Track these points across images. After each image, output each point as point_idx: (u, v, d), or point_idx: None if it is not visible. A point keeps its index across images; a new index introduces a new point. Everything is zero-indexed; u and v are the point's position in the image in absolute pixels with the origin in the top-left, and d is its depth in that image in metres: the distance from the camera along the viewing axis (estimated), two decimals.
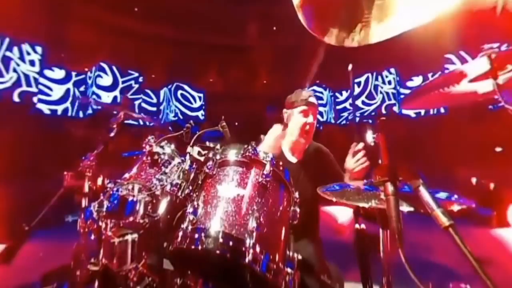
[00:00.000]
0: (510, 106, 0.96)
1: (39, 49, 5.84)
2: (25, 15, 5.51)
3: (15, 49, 5.53)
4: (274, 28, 9.91)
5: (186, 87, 8.54)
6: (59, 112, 6.31)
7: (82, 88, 6.70)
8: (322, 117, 8.21)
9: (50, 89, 6.23)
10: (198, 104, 8.62)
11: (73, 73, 6.59)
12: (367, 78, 7.31)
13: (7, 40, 5.38)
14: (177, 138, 1.63)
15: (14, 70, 5.52)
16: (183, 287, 1.09)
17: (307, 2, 0.96)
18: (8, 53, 5.41)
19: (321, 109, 8.31)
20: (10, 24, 5.37)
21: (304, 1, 0.96)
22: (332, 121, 8.20)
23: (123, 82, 7.27)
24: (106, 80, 6.98)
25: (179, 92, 8.41)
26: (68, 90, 6.49)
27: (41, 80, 6.00)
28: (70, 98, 6.48)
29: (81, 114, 6.72)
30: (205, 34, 9.21)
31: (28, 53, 5.73)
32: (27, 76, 5.72)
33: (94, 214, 1.18)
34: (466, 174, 5.18)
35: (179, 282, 1.16)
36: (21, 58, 5.62)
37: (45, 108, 6.13)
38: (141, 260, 1.16)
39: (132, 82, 7.51)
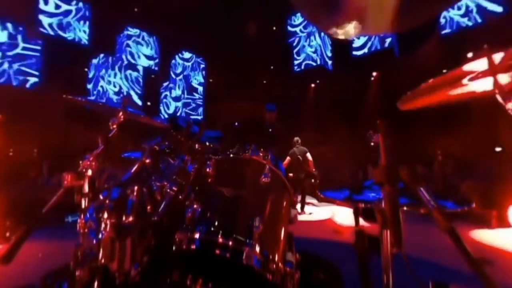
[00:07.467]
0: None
1: None
2: None
3: None
4: (274, 28, 9.93)
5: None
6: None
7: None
8: None
9: None
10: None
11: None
12: None
13: None
14: (177, 138, 1.63)
15: None
16: (183, 287, 1.09)
17: None
18: None
19: None
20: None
21: None
22: None
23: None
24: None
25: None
26: None
27: None
28: None
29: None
30: (205, 34, 9.22)
31: None
32: None
33: (94, 214, 1.18)
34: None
35: (179, 282, 1.16)
36: None
37: None
38: (141, 260, 1.16)
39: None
